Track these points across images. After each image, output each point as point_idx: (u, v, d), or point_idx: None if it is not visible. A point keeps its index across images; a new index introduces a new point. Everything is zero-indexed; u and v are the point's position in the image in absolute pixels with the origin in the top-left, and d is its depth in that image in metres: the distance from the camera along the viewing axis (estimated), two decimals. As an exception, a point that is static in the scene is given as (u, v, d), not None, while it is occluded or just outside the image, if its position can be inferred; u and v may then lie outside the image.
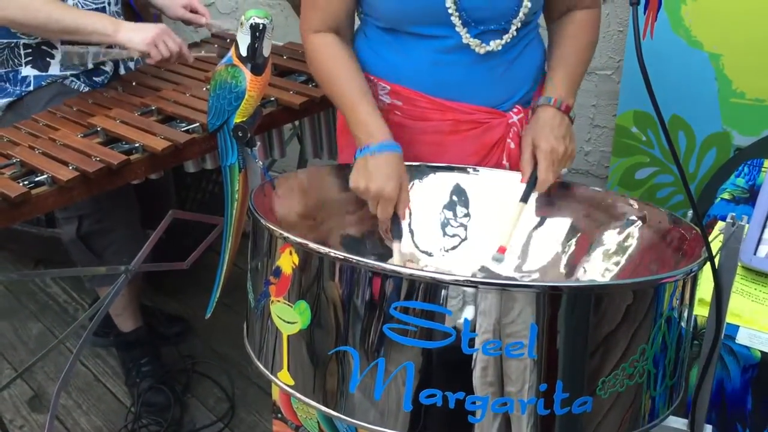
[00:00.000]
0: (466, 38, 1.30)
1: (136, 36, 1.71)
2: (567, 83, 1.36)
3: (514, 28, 1.31)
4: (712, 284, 1.01)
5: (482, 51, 1.32)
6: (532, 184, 1.28)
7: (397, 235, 1.24)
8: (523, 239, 1.28)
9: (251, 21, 1.04)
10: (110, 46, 1.78)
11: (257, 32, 1.05)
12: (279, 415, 1.40)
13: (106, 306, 1.74)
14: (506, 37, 1.32)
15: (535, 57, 1.42)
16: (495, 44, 1.32)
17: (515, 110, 1.39)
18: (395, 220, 1.25)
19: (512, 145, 1.38)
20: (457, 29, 1.29)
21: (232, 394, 2.15)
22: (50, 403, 2.13)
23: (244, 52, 1.08)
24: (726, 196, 1.64)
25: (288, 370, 0.97)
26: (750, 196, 1.63)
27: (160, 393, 2.09)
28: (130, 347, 2.18)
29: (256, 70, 1.09)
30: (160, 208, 1.87)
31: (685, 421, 1.11)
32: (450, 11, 1.26)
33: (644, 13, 1.27)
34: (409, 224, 1.35)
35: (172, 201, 2.27)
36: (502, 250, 1.24)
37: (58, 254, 2.42)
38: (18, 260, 2.70)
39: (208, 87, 1.78)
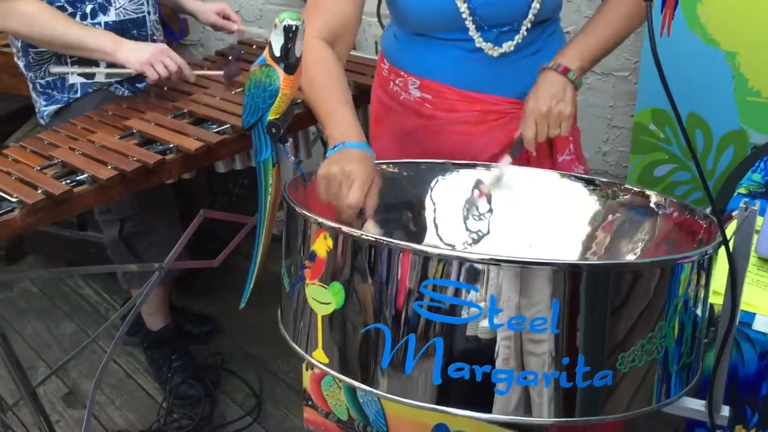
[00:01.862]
0: (479, 42, 1.36)
1: (133, 55, 1.75)
2: (576, 49, 1.36)
3: (524, 28, 1.36)
4: (725, 274, 1.05)
5: (495, 54, 1.38)
6: (519, 143, 1.34)
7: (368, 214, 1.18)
8: (544, 229, 1.33)
9: (285, 23, 1.09)
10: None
11: (290, 33, 1.10)
12: (309, 402, 1.45)
13: (140, 303, 1.80)
14: (517, 38, 1.37)
15: (557, 49, 1.43)
16: (507, 46, 1.37)
17: None
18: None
19: None
20: (470, 34, 1.34)
21: (259, 390, 2.21)
22: (84, 398, 2.21)
23: (277, 53, 1.13)
24: (743, 191, 1.67)
25: (322, 348, 1.02)
26: (766, 191, 1.66)
27: (192, 387, 2.16)
28: (160, 344, 2.25)
29: (289, 70, 1.14)
30: (195, 209, 1.94)
31: (703, 402, 1.15)
32: (464, 16, 1.33)
33: (661, 12, 1.31)
34: (434, 219, 1.40)
35: (206, 201, 2.34)
36: (481, 194, 1.32)
37: (88, 257, 2.50)
38: (50, 263, 2.78)
39: (237, 91, 1.87)
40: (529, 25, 1.36)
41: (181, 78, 1.83)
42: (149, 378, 2.29)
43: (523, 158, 1.44)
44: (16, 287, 2.71)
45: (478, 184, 1.40)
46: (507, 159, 1.34)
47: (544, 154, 1.49)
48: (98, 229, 2.17)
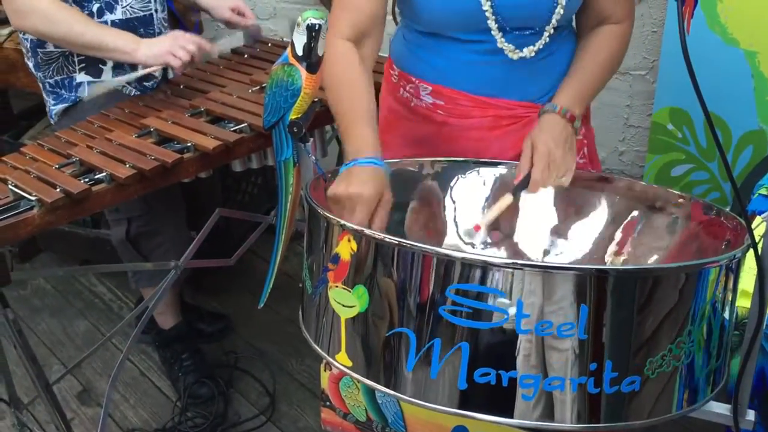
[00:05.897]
0: (501, 42, 1.33)
1: (152, 51, 1.74)
2: (576, 94, 1.36)
3: (547, 34, 1.34)
4: (753, 275, 1.04)
5: (515, 57, 1.35)
6: (525, 183, 1.28)
7: None
8: (566, 229, 1.32)
9: (308, 21, 1.09)
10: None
11: (313, 32, 1.10)
12: (327, 403, 1.45)
13: (156, 303, 1.80)
14: (539, 44, 1.34)
15: (570, 53, 1.43)
16: (528, 51, 1.35)
17: None
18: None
19: None
20: (492, 33, 1.32)
21: (273, 389, 2.21)
22: (98, 396, 2.21)
23: (300, 52, 1.12)
24: (763, 191, 1.66)
25: (345, 351, 1.02)
26: (787, 192, 1.65)
27: (204, 386, 2.15)
28: (171, 343, 2.24)
29: (312, 69, 1.13)
30: (208, 207, 1.93)
31: (728, 406, 1.14)
32: (487, 14, 1.29)
33: (680, 10, 1.30)
34: (454, 218, 1.39)
35: (219, 199, 2.33)
36: (477, 228, 1.28)
37: (103, 254, 2.49)
38: (64, 260, 2.78)
39: (254, 89, 1.86)
40: (552, 31, 1.34)
41: (203, 56, 1.80)
42: (163, 376, 2.29)
43: None
44: (29, 284, 2.71)
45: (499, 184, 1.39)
46: (508, 198, 1.28)
47: None
48: (111, 227, 2.17)
